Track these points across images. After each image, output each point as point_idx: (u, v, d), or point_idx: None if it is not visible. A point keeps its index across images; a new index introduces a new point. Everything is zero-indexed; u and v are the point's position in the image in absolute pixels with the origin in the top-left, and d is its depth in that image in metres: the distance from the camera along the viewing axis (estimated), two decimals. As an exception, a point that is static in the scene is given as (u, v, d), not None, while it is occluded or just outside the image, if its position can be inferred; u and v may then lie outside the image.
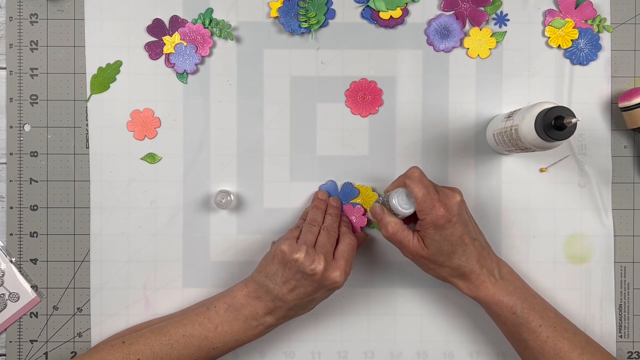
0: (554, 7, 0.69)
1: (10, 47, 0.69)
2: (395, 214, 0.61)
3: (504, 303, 0.60)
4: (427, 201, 0.58)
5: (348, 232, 0.64)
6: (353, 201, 0.68)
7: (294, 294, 0.60)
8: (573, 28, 0.69)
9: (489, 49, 0.69)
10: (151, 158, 0.69)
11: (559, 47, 0.69)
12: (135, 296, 0.69)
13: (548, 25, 0.69)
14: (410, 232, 0.61)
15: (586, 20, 0.69)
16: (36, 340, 0.69)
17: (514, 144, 0.62)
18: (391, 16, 0.69)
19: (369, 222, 0.68)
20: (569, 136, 0.56)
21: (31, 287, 0.69)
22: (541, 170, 0.69)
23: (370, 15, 0.69)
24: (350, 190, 0.68)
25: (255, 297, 0.61)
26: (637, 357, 0.70)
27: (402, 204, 0.60)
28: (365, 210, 0.68)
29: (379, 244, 0.69)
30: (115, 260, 0.69)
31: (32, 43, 0.69)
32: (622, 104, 0.67)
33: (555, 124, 0.55)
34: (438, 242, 0.59)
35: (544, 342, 0.60)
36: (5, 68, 0.69)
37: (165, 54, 0.69)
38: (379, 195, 0.68)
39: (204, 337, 0.60)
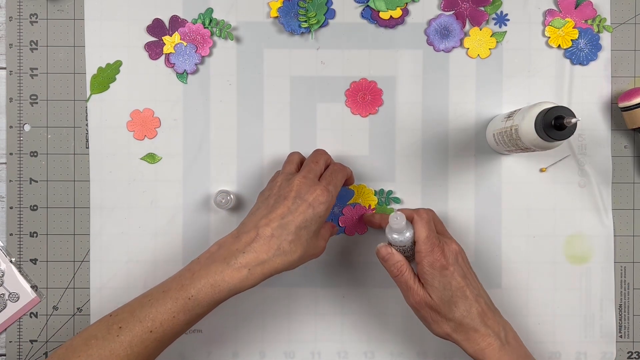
0: (554, 7, 0.69)
1: (10, 47, 0.69)
2: (391, 233, 0.60)
3: None
4: (427, 243, 0.58)
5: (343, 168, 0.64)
6: (350, 202, 0.68)
7: (274, 214, 0.57)
8: (573, 28, 0.69)
9: (489, 48, 0.69)
10: (151, 158, 0.69)
11: (559, 47, 0.69)
12: (135, 296, 0.68)
13: (548, 25, 0.69)
14: (416, 276, 0.60)
15: (586, 20, 0.69)
16: (36, 340, 0.69)
17: (514, 144, 0.62)
18: (391, 16, 0.69)
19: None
20: (569, 136, 0.56)
21: (31, 287, 0.69)
22: (541, 170, 0.69)
23: (370, 15, 0.69)
24: (345, 192, 0.68)
25: (236, 236, 0.57)
26: (637, 357, 0.70)
27: (392, 230, 0.60)
28: (366, 209, 0.68)
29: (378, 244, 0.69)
30: (115, 260, 0.69)
31: (32, 43, 0.69)
32: (622, 104, 0.67)
33: (555, 124, 0.55)
34: (438, 289, 0.58)
35: None
36: (5, 68, 0.69)
37: (165, 54, 0.69)
38: (375, 193, 0.68)
39: (180, 287, 0.55)
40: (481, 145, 0.69)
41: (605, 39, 0.69)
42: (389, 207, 0.69)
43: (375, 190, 0.69)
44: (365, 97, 0.69)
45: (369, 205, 0.68)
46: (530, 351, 0.60)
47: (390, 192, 0.69)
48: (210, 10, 0.69)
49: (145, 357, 0.55)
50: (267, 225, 0.57)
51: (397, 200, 0.68)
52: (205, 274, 0.56)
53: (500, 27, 0.69)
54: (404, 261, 0.60)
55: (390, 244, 0.61)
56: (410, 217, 0.61)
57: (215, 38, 0.69)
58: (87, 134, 0.69)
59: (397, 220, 0.58)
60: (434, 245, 0.58)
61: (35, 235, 0.69)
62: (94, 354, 0.54)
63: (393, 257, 0.60)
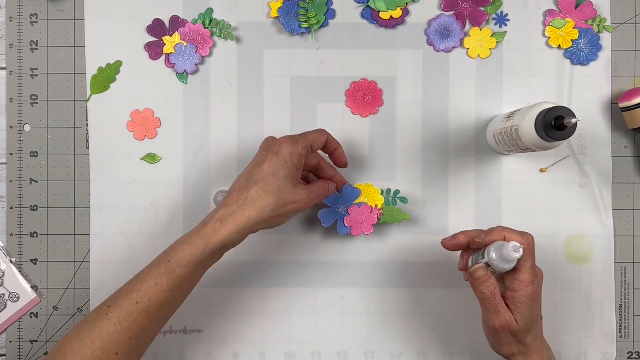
0: (554, 7, 0.69)
1: (10, 47, 0.69)
2: (502, 261, 0.56)
3: None
4: (531, 273, 0.56)
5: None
6: (357, 201, 0.67)
7: (244, 171, 0.58)
8: (573, 28, 0.69)
9: (489, 48, 0.69)
10: (151, 158, 0.69)
11: (559, 47, 0.69)
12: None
13: (548, 25, 0.69)
14: (501, 299, 0.58)
15: (586, 20, 0.69)
16: (36, 340, 0.69)
17: (514, 144, 0.62)
18: (391, 16, 0.69)
19: (378, 219, 0.67)
20: (569, 136, 0.56)
21: (31, 287, 0.69)
22: (541, 170, 0.69)
23: (370, 15, 0.69)
24: (350, 192, 0.67)
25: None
26: (637, 357, 0.70)
27: (504, 258, 0.55)
28: (372, 208, 0.67)
29: (378, 244, 0.69)
30: (115, 260, 0.69)
31: (32, 43, 0.69)
32: (622, 104, 0.67)
33: (555, 124, 0.55)
34: (526, 316, 0.57)
35: None
36: (5, 68, 0.69)
37: (165, 54, 0.69)
38: (382, 192, 0.68)
39: (162, 254, 0.56)
40: (481, 145, 0.69)
41: (605, 39, 0.69)
42: (395, 207, 0.68)
43: (381, 190, 0.68)
44: (365, 97, 0.69)
45: (375, 205, 0.67)
46: None
47: (397, 191, 0.68)
48: (210, 10, 0.69)
49: (136, 331, 0.54)
50: (237, 181, 0.58)
51: (403, 200, 0.68)
52: (184, 237, 0.56)
53: (500, 27, 0.69)
54: (496, 284, 0.57)
55: (486, 264, 0.57)
56: (499, 236, 0.57)
57: (215, 38, 0.69)
58: (87, 134, 0.69)
59: (515, 253, 0.54)
60: (534, 275, 0.56)
61: (35, 235, 0.69)
62: (85, 337, 0.54)
63: (489, 280, 0.57)
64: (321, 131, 0.62)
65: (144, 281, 0.55)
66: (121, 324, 0.54)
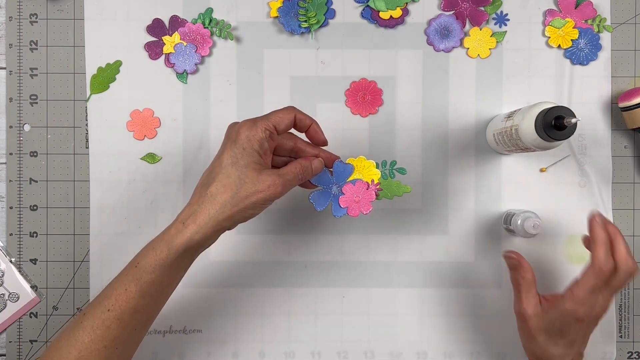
0: (554, 7, 0.69)
1: (10, 47, 0.69)
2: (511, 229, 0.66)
3: None
4: (589, 296, 0.57)
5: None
6: (350, 179, 0.60)
7: (208, 165, 0.55)
8: (573, 28, 0.69)
9: (489, 48, 0.69)
10: (151, 158, 0.69)
11: (559, 47, 0.69)
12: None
13: (548, 25, 0.69)
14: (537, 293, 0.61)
15: (586, 20, 0.69)
16: (36, 341, 0.69)
17: (514, 144, 0.62)
18: (391, 16, 0.69)
19: (377, 195, 0.61)
20: (569, 136, 0.56)
21: (31, 287, 0.69)
22: (541, 170, 0.69)
23: (370, 15, 0.69)
24: (342, 169, 0.60)
25: None
26: (637, 357, 0.70)
27: (524, 230, 0.64)
28: (368, 184, 0.60)
29: (378, 244, 0.69)
30: (115, 260, 0.69)
31: (32, 43, 0.69)
32: (622, 104, 0.67)
33: (555, 124, 0.55)
34: (548, 322, 0.59)
35: None
36: (5, 68, 0.69)
37: (165, 53, 0.68)
38: (377, 165, 0.63)
39: (133, 259, 0.55)
40: (481, 145, 0.69)
41: (605, 39, 0.69)
42: (394, 180, 0.67)
43: (377, 163, 0.61)
44: (365, 97, 0.69)
45: (372, 180, 0.60)
46: None
47: (394, 162, 0.67)
48: (210, 10, 0.69)
49: (110, 339, 0.53)
50: (202, 177, 0.55)
51: (402, 171, 0.67)
52: (151, 241, 0.54)
53: (500, 27, 0.69)
54: (527, 275, 0.61)
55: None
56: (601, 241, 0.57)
57: (215, 38, 0.69)
58: (87, 134, 0.69)
59: (533, 230, 0.64)
60: (590, 302, 0.56)
61: (35, 235, 0.69)
62: (63, 346, 0.53)
63: (518, 268, 0.62)
64: (288, 109, 0.56)
65: (114, 288, 0.54)
66: (95, 333, 0.53)
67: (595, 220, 0.58)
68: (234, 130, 0.55)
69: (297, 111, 0.56)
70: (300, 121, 0.57)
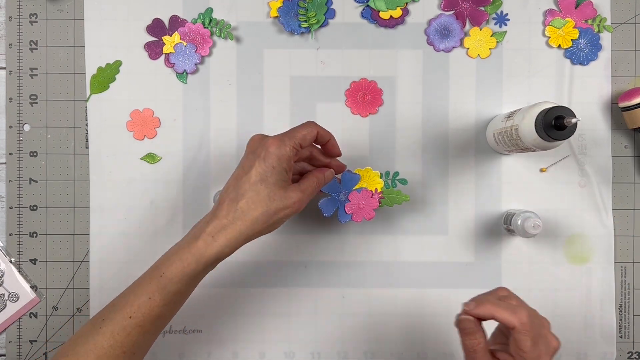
0: (554, 7, 0.69)
1: (9, 47, 0.68)
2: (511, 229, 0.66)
3: None
4: (533, 351, 0.51)
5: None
6: (357, 187, 0.65)
7: (232, 178, 0.56)
8: (573, 28, 0.69)
9: (489, 48, 0.69)
10: (151, 158, 0.69)
11: (559, 47, 0.69)
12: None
13: (548, 25, 0.69)
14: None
15: (586, 20, 0.69)
16: (36, 341, 0.69)
17: (514, 144, 0.62)
18: (391, 16, 0.69)
19: (379, 203, 0.66)
20: (569, 136, 0.56)
21: (31, 287, 0.69)
22: (541, 170, 0.69)
23: (370, 15, 0.69)
24: (350, 178, 0.65)
25: (209, 213, 0.57)
26: (637, 357, 0.70)
27: (524, 230, 0.64)
28: (372, 193, 0.65)
29: (378, 244, 0.69)
30: (115, 260, 0.69)
31: (32, 43, 0.68)
32: (622, 104, 0.67)
33: (555, 124, 0.55)
34: None
35: None
36: (4, 68, 0.69)
37: (165, 53, 0.68)
38: (381, 175, 0.68)
39: (154, 269, 0.55)
40: (481, 145, 0.69)
41: (606, 39, 0.69)
42: (395, 189, 0.68)
43: (380, 173, 0.67)
44: (365, 97, 0.69)
45: (375, 189, 0.65)
46: None
47: (396, 173, 0.68)
48: (210, 10, 0.69)
49: (130, 345, 0.54)
50: (226, 190, 0.56)
51: (403, 182, 0.68)
52: (175, 251, 0.55)
53: (500, 27, 0.69)
54: (482, 340, 0.53)
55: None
56: (508, 323, 0.52)
57: (215, 38, 0.69)
58: (86, 134, 0.69)
59: (533, 230, 0.63)
60: (536, 353, 0.51)
61: (35, 235, 0.69)
62: (80, 350, 0.53)
63: (474, 334, 0.53)
64: (311, 125, 0.58)
65: (137, 296, 0.54)
66: (115, 339, 0.53)
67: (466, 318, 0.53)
68: (260, 146, 0.56)
69: (319, 127, 0.59)
70: (321, 137, 0.59)
